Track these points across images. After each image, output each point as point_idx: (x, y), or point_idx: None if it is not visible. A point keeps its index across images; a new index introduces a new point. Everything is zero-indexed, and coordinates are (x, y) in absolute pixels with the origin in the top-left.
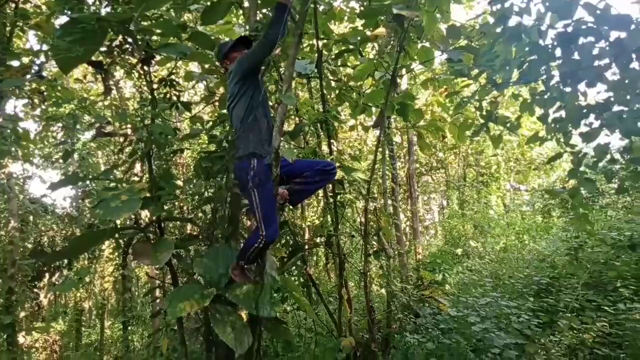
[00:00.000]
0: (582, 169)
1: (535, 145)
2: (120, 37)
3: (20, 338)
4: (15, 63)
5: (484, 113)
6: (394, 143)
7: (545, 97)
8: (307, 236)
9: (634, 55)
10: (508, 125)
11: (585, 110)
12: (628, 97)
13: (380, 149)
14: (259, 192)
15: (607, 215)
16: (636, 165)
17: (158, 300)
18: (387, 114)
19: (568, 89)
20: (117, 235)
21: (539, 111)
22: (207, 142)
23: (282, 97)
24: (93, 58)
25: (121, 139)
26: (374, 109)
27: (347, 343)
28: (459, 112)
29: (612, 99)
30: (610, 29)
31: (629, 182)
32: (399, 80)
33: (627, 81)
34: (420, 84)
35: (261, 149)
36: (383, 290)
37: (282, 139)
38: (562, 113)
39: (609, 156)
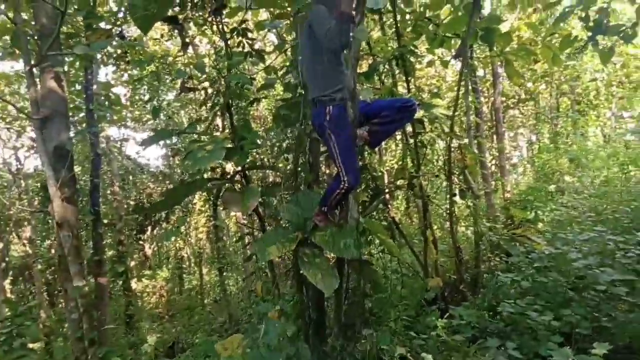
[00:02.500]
0: None
1: None
2: None
3: (133, 284)
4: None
5: (591, 24)
6: (476, 76)
7: None
8: (386, 180)
9: None
10: (622, 35)
11: None
12: None
13: (462, 82)
14: (337, 138)
15: None
16: None
17: (248, 247)
18: (470, 42)
19: None
20: (206, 186)
21: None
22: (281, 91)
23: (354, 32)
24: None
25: (202, 95)
26: (453, 41)
27: (435, 283)
28: (556, 29)
29: None
30: None
31: None
32: (481, 3)
33: None
34: (507, 4)
35: (335, 92)
36: (469, 232)
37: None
38: None
39: None
